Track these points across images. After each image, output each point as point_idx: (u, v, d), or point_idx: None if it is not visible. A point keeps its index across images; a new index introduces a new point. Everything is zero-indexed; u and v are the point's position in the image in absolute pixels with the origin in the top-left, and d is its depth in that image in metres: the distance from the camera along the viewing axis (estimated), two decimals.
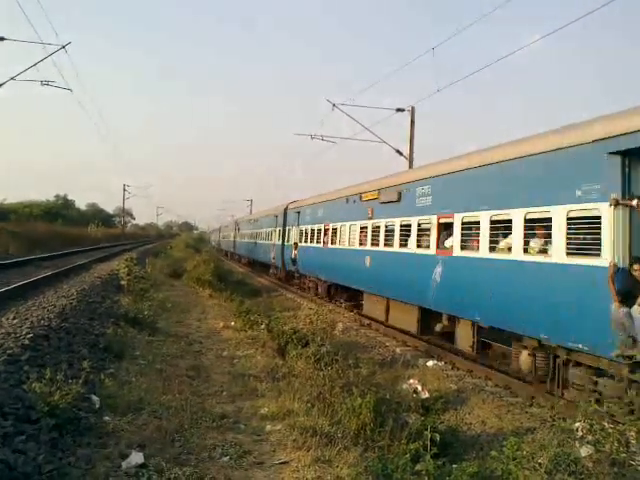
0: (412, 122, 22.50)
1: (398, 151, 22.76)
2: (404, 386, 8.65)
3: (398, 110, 22.60)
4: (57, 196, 78.58)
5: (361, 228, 16.14)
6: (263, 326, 12.29)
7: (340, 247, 18.16)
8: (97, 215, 76.77)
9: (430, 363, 11.25)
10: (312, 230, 22.15)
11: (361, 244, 16.04)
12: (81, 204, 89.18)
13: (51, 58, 22.62)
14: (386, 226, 14.26)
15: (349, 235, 17.20)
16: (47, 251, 30.19)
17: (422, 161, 24.50)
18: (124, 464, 5.09)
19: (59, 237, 40.91)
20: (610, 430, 5.13)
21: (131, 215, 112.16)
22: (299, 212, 24.91)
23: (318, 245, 20.95)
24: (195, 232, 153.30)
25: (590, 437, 5.34)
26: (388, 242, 14.10)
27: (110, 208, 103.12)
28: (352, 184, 19.06)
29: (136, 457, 5.19)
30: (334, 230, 18.98)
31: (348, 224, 17.36)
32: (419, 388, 8.35)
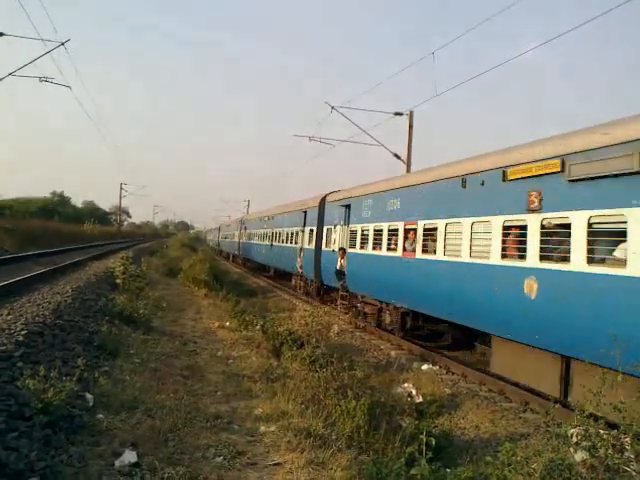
0: (410, 126, 22.54)
1: (396, 155, 22.80)
2: (398, 390, 8.67)
3: (396, 114, 22.66)
4: (53, 193, 78.52)
5: (505, 228, 9.55)
6: (258, 327, 12.28)
7: (448, 259, 11.18)
8: (93, 213, 76.65)
9: (425, 367, 11.26)
10: (376, 231, 15.27)
11: (505, 256, 9.43)
12: (78, 201, 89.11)
13: (50, 55, 22.61)
14: (590, 225, 7.65)
15: (469, 240, 10.50)
16: (43, 248, 30.08)
17: (420, 165, 24.34)
18: (117, 463, 5.06)
19: (55, 234, 40.76)
20: (605, 436, 5.13)
21: (127, 213, 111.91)
22: (349, 205, 18.02)
23: (390, 254, 14.00)
24: (191, 231, 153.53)
25: (585, 443, 5.34)
26: (595, 256, 7.68)
27: (107, 206, 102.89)
28: (477, 154, 11.50)
29: (129, 456, 5.16)
30: (429, 231, 12.13)
31: (467, 221, 10.61)
32: (413, 392, 8.37)
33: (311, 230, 22.26)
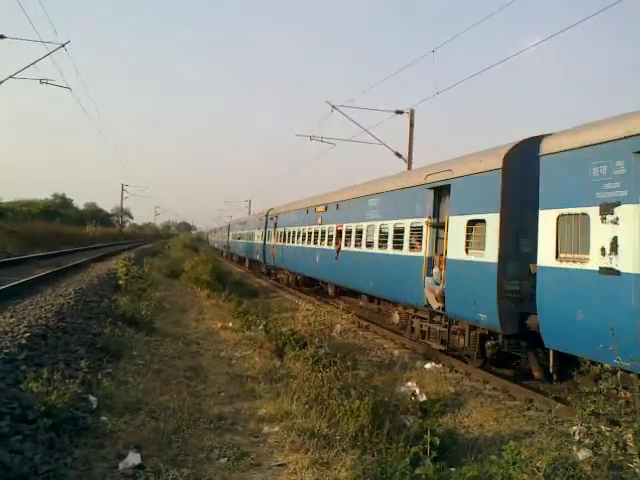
0: (411, 124, 22.53)
1: (397, 153, 22.79)
2: (402, 389, 8.64)
3: (397, 112, 22.64)
4: (55, 195, 78.64)
5: None
6: (261, 327, 12.27)
7: None
8: (95, 214, 76.70)
9: (428, 365, 11.24)
10: None
11: None
12: (79, 203, 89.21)
13: (50, 56, 22.62)
14: None
15: None
16: (45, 250, 30.13)
17: (421, 163, 23.46)
18: (121, 465, 5.07)
19: (57, 236, 40.80)
20: (607, 433, 5.12)
21: (129, 215, 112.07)
22: None
23: None
24: (193, 232, 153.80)
25: (587, 440, 5.34)
26: None
27: (109, 208, 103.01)
28: None
29: (133, 458, 5.17)
30: None
31: None
32: (417, 391, 8.34)
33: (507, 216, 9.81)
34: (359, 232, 16.81)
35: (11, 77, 22.89)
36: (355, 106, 24.08)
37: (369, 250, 15.83)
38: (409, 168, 21.88)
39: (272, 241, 31.07)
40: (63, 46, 22.23)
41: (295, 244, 25.53)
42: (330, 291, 21.55)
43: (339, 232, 18.93)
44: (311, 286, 24.74)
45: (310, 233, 22.84)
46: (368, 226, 16.07)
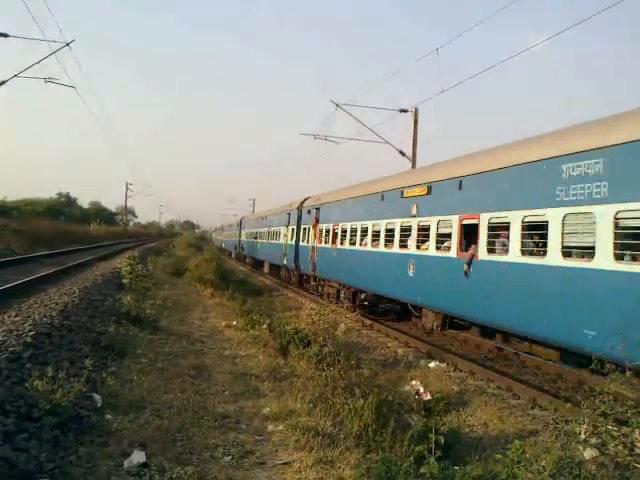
0: (415, 123, 22.51)
1: (401, 152, 22.75)
2: (406, 387, 8.63)
3: (402, 111, 22.61)
4: (60, 194, 78.96)
5: None
6: (265, 326, 12.27)
7: None
8: (100, 213, 77.01)
9: (432, 364, 11.21)
10: None
11: None
12: (84, 202, 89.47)
13: (55, 55, 22.67)
14: None
15: None
16: (49, 249, 30.25)
17: (425, 162, 22.79)
18: (126, 463, 5.08)
19: (61, 235, 40.96)
20: (615, 433, 5.10)
21: (133, 213, 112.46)
22: None
23: None
24: (197, 231, 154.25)
25: (594, 440, 5.31)
26: None
27: (113, 206, 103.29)
28: None
29: (138, 456, 5.18)
30: None
31: None
32: (421, 390, 8.32)
33: None
34: (535, 228, 9.16)
35: (16, 76, 22.97)
36: (359, 104, 23.97)
37: (577, 264, 7.99)
38: (413, 166, 21.85)
39: (310, 241, 23.24)
40: (67, 44, 22.30)
41: (357, 247, 17.44)
42: (430, 322, 13.42)
43: (467, 228, 11.24)
44: (377, 307, 17.51)
45: (390, 230, 15.00)
46: (565, 217, 8.22)
